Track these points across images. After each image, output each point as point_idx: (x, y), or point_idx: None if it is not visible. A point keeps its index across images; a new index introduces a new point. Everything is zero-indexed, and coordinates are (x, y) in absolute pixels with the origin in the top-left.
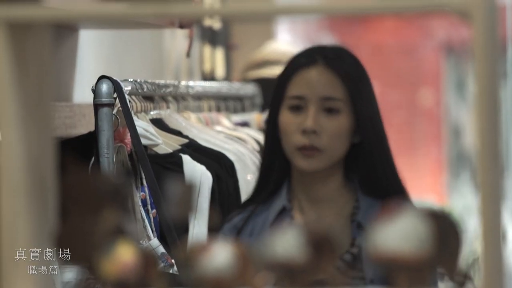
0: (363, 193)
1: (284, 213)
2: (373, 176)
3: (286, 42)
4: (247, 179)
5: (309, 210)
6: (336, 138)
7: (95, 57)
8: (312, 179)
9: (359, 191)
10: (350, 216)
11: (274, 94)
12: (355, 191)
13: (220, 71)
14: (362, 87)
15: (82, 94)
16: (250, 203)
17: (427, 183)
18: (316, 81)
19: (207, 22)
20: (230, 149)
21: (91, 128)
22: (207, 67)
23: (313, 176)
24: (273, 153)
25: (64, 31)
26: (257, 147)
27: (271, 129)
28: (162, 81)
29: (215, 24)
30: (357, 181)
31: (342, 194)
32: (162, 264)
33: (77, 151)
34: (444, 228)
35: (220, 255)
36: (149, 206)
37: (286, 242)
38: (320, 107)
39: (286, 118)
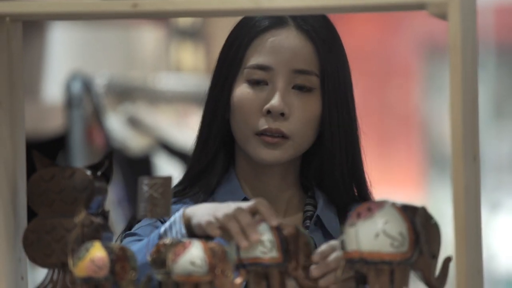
0: (321, 192)
1: None
2: (330, 173)
3: None
4: None
5: None
6: (307, 124)
7: (64, 52)
8: (267, 172)
9: (316, 188)
10: (303, 217)
11: (225, 61)
12: (311, 189)
13: (189, 63)
14: (337, 62)
15: (52, 91)
16: (182, 200)
17: (410, 186)
18: (287, 47)
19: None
20: None
21: (61, 127)
22: (178, 60)
23: (270, 169)
24: (217, 138)
25: (33, 25)
26: None
27: (220, 107)
28: (134, 76)
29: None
30: (313, 178)
31: (295, 193)
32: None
33: (46, 151)
34: (421, 227)
35: (194, 253)
36: (121, 205)
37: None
38: (290, 82)
39: (244, 93)
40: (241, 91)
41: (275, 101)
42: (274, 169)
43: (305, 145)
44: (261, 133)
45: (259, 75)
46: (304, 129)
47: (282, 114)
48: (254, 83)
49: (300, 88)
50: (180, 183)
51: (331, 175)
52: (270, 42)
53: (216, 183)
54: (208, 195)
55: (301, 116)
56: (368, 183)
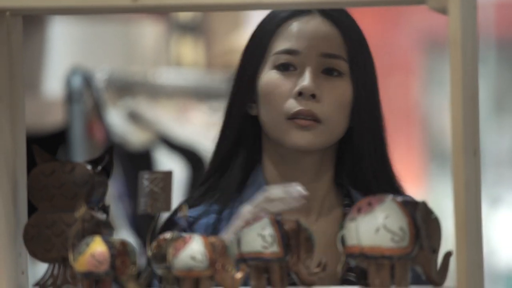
0: (356, 190)
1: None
2: (364, 169)
3: None
4: None
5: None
6: (338, 109)
7: (65, 47)
8: (300, 163)
9: (351, 188)
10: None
11: (250, 51)
12: (345, 188)
13: (189, 58)
14: (363, 50)
15: (52, 85)
16: (209, 200)
17: (411, 180)
18: (313, 32)
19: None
20: (203, 144)
21: (61, 121)
22: (178, 54)
23: (303, 160)
24: (235, 130)
25: (33, 20)
26: None
27: (242, 102)
28: (134, 71)
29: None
30: (346, 176)
31: (330, 190)
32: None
33: (46, 146)
34: (421, 222)
35: (195, 247)
36: (121, 199)
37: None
38: (319, 66)
39: (272, 79)
40: (270, 77)
41: (306, 82)
42: (307, 160)
43: (337, 132)
44: (293, 117)
45: (287, 59)
46: (335, 113)
47: (313, 96)
48: (283, 69)
49: (329, 73)
50: (202, 183)
51: (361, 167)
52: (296, 27)
53: (240, 182)
54: (235, 196)
55: (332, 100)
56: (397, 175)
